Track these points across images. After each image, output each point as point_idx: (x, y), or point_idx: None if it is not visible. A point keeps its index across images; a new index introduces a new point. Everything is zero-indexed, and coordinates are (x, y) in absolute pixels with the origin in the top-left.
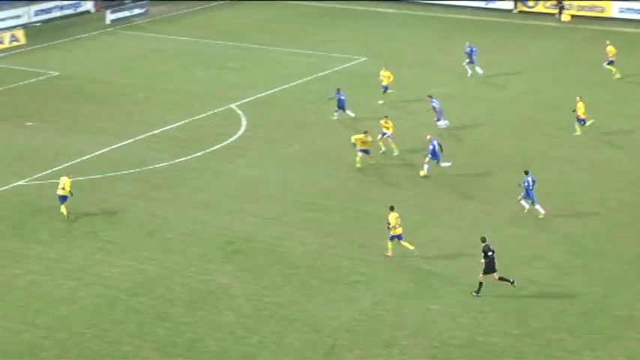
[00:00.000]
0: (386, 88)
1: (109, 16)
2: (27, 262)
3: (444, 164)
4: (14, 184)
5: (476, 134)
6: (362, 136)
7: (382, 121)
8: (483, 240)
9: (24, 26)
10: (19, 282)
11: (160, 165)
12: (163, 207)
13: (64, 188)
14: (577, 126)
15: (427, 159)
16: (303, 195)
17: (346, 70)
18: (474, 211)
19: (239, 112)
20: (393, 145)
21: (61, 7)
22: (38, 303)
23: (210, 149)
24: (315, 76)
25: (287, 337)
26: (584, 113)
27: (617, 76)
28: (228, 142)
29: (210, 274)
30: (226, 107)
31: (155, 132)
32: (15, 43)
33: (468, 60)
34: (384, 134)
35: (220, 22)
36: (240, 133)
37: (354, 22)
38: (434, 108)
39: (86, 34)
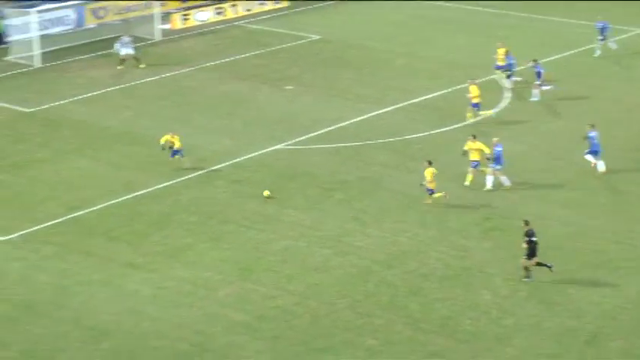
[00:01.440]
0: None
1: None
2: (282, 227)
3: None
4: (272, 148)
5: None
6: None
7: None
8: (527, 223)
9: None
10: (273, 247)
11: (418, 135)
12: (420, 179)
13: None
14: None
15: (492, 168)
16: (567, 173)
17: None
18: None
19: (504, 83)
20: None
21: None
22: (291, 269)
23: (471, 121)
24: (586, 48)
25: (545, 322)
26: None
27: None
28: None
29: (466, 250)
30: (489, 78)
31: (414, 100)
32: (278, 6)
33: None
34: None
35: None
36: (503, 104)
37: None
38: (538, 74)
39: None
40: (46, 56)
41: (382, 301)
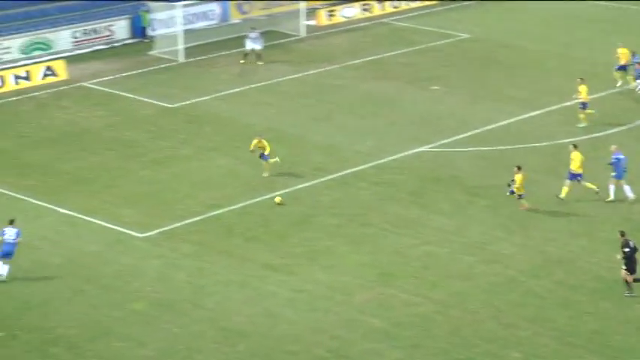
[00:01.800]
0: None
1: None
2: (425, 232)
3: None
4: (416, 150)
5: None
6: None
7: None
8: (622, 234)
9: None
10: (416, 252)
11: (571, 140)
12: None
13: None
14: None
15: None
16: None
17: None
18: None
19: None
20: None
21: None
22: (433, 276)
23: (627, 126)
24: None
25: None
26: None
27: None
28: None
29: (618, 262)
30: None
31: (567, 104)
32: (426, 3)
33: None
34: None
35: None
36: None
37: None
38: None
39: None
40: (189, 51)
41: (527, 313)
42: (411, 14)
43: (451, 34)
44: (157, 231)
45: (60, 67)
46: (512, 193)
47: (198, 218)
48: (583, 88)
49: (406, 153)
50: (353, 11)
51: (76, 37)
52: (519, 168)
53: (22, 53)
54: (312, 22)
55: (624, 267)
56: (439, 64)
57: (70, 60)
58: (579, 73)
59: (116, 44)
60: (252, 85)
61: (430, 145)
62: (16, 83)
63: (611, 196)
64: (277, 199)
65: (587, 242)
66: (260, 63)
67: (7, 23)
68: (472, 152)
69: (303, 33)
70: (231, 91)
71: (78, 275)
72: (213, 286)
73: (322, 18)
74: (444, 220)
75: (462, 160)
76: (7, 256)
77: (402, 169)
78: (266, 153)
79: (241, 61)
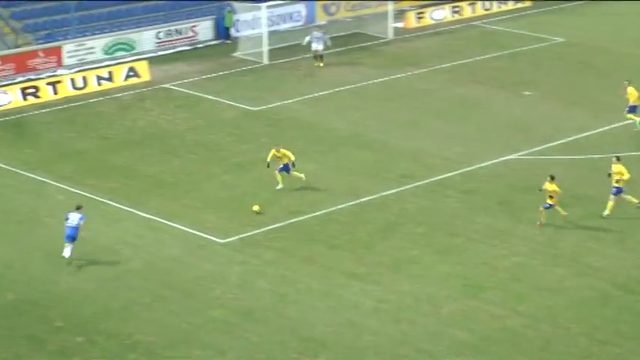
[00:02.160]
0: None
1: None
2: (514, 242)
3: None
4: (506, 158)
5: None
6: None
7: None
8: None
9: None
10: (504, 263)
11: None
12: None
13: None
14: None
15: None
16: None
17: None
18: None
19: None
20: None
21: None
22: (523, 288)
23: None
24: None
25: None
26: None
27: None
28: None
29: None
30: None
31: None
32: (519, 5)
33: None
34: None
35: None
36: None
37: None
38: None
39: None
40: (274, 53)
41: (622, 329)
42: (503, 17)
43: (545, 38)
44: (239, 237)
45: (143, 68)
46: (549, 207)
47: (280, 224)
48: (632, 91)
49: (496, 160)
50: (443, 13)
51: (159, 38)
52: (552, 178)
53: (106, 54)
54: (400, 25)
55: None
56: (532, 68)
57: (153, 61)
58: None
59: (199, 45)
60: (338, 89)
61: (521, 153)
62: (99, 84)
63: None
64: (255, 208)
65: None
66: (321, 65)
67: (91, 23)
68: (565, 161)
69: (390, 35)
70: (316, 94)
71: (158, 280)
72: (295, 294)
73: (411, 20)
74: (534, 230)
75: (555, 168)
76: (68, 239)
77: (492, 177)
78: (289, 162)
79: (315, 64)
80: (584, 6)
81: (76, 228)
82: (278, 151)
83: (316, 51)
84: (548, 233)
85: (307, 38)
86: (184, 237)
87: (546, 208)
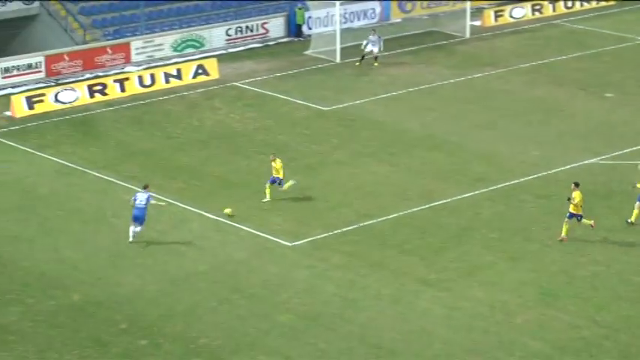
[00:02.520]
0: None
1: None
2: (592, 250)
3: None
4: (587, 162)
5: None
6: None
7: None
8: None
9: None
10: (581, 271)
11: None
12: None
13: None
14: None
15: None
16: None
17: None
18: None
19: None
20: None
21: None
22: (601, 297)
23: None
24: None
25: None
26: None
27: None
28: None
29: None
30: None
31: None
32: (603, 3)
33: None
34: None
35: None
36: None
37: None
38: None
39: None
40: (346, 51)
41: None
42: (585, 15)
43: (628, 38)
44: (307, 240)
45: (212, 65)
46: (579, 218)
47: (350, 228)
48: None
49: (575, 165)
50: (522, 12)
51: (229, 35)
52: (577, 185)
53: (174, 51)
54: (477, 23)
55: None
56: (615, 69)
57: (223, 58)
58: None
59: (270, 43)
60: (412, 89)
61: (602, 157)
62: (167, 82)
63: None
64: (227, 211)
65: None
66: (376, 64)
67: (160, 20)
68: None
69: (467, 34)
70: (390, 94)
71: (224, 284)
72: (364, 300)
73: (489, 18)
74: (614, 237)
75: (636, 174)
76: (137, 220)
77: (570, 183)
78: (280, 176)
79: (357, 64)
80: None
81: (145, 208)
82: (275, 160)
83: (371, 52)
84: (629, 241)
85: (365, 42)
86: (251, 239)
87: (570, 218)
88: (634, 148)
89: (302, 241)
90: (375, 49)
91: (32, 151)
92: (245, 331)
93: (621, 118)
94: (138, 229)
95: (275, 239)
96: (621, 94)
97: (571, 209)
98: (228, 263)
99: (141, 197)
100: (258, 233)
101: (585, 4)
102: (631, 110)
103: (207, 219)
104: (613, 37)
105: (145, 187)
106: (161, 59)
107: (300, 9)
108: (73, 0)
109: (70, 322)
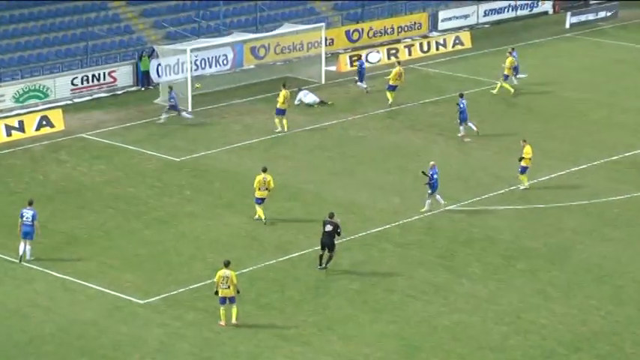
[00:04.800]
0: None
1: (570, 19)
2: (454, 299)
3: None
4: (446, 208)
5: None
6: None
7: None
8: None
9: (471, 28)
10: (444, 321)
11: (618, 198)
12: (617, 248)
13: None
14: None
15: None
16: None
17: None
18: None
19: None
20: None
21: (515, 8)
22: (463, 347)
23: None
24: None
25: None
26: None
27: None
28: None
29: None
30: None
31: (614, 158)
32: (458, 47)
33: None
34: None
35: None
36: None
37: None
38: None
39: (539, 40)
40: (197, 100)
41: None
42: (441, 59)
43: (484, 82)
44: (159, 297)
45: (57, 116)
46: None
47: (204, 283)
48: None
49: (434, 212)
50: (378, 56)
51: (75, 85)
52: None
53: (16, 102)
54: (332, 68)
55: None
56: (473, 113)
57: (68, 109)
58: (629, 124)
59: (119, 92)
60: (267, 137)
61: (461, 203)
62: (8, 134)
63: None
64: (197, 85)
65: (634, 312)
66: (330, 103)
67: (1, 69)
68: (507, 211)
69: (322, 80)
70: (244, 143)
71: (72, 346)
72: (220, 358)
73: (344, 64)
74: (475, 285)
75: (496, 219)
76: (26, 236)
77: (430, 230)
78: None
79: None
80: (525, 47)
81: (32, 225)
82: (264, 175)
83: (315, 100)
84: (491, 288)
85: (298, 98)
86: (101, 298)
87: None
88: (493, 194)
89: (154, 299)
90: (316, 98)
91: None
92: None
93: (480, 162)
94: (29, 247)
95: (126, 297)
96: (480, 138)
97: (523, 163)
98: (76, 324)
99: (27, 214)
100: (108, 291)
101: (442, 47)
102: (489, 155)
103: (53, 278)
104: (469, 81)
105: (30, 204)
106: (2, 111)
107: (144, 56)
108: None
109: None
